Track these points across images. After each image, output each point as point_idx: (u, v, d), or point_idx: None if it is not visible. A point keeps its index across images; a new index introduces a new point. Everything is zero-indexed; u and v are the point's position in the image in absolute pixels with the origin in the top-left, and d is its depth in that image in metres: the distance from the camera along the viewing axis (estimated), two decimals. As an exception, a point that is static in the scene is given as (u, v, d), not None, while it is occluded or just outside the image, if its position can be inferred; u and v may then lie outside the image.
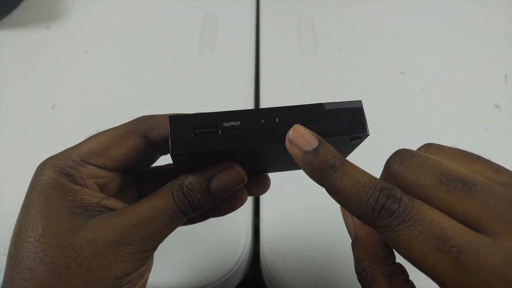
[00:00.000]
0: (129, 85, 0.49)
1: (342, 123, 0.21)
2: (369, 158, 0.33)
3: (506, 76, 0.50)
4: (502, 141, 0.45)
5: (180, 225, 0.24)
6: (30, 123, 0.46)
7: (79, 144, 0.24)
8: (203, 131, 0.20)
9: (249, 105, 0.48)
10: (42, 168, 0.23)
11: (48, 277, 0.20)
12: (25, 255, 0.21)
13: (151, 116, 0.25)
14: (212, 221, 0.38)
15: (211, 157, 0.22)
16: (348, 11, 0.56)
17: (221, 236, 0.38)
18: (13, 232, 0.22)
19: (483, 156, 0.20)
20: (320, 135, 0.20)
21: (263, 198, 0.41)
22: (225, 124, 0.21)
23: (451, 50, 0.53)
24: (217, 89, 0.49)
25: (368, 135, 0.22)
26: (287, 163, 0.26)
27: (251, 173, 0.26)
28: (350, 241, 0.23)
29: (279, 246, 0.38)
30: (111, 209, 0.23)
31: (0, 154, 0.44)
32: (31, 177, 0.23)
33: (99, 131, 0.24)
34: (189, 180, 0.23)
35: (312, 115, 0.21)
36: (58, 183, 0.22)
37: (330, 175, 0.19)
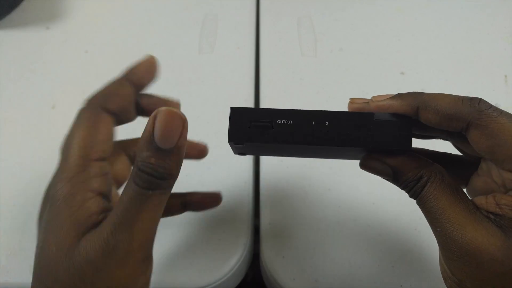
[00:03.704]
0: (129, 85, 0.49)
1: (388, 135, 0.23)
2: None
3: (506, 76, 0.50)
4: (502, 141, 0.45)
5: (161, 216, 0.23)
6: (30, 123, 0.46)
7: (64, 161, 0.24)
8: (258, 125, 0.22)
9: (249, 105, 0.48)
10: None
11: None
12: None
13: (99, 93, 0.27)
14: (212, 221, 0.38)
15: (263, 147, 0.24)
16: (348, 11, 0.56)
17: (221, 236, 0.38)
18: None
19: None
20: (365, 142, 0.22)
21: (263, 198, 0.41)
22: (278, 121, 0.22)
23: (451, 50, 0.53)
24: (217, 89, 0.49)
25: (411, 150, 0.23)
26: (333, 156, 0.30)
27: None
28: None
29: (279, 246, 0.38)
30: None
31: (0, 154, 0.44)
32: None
33: (61, 148, 0.25)
34: (138, 153, 0.21)
35: (361, 122, 0.23)
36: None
37: None
